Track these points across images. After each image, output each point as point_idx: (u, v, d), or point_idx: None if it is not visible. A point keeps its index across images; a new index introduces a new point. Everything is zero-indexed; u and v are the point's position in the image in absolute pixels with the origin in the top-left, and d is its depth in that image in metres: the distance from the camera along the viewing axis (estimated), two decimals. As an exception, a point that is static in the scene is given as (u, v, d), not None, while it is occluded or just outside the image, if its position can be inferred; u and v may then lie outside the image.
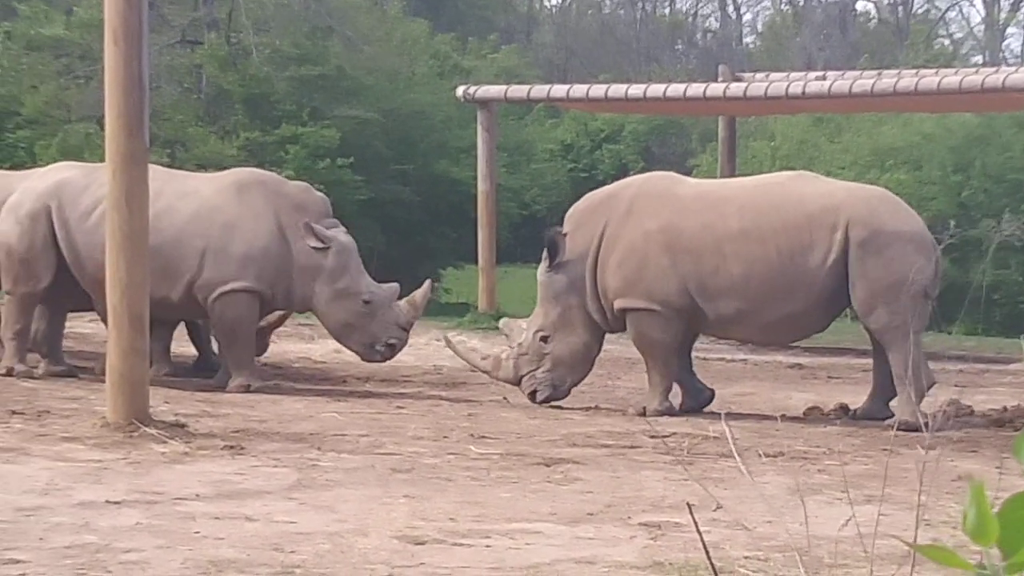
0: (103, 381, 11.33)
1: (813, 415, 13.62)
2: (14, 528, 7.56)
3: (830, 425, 13.05)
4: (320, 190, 15.93)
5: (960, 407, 13.77)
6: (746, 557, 7.28)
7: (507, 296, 23.37)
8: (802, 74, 24.82)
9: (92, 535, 7.44)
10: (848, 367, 18.29)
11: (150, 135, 11.49)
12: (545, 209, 35.28)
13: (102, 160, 11.83)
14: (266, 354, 15.84)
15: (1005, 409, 13.96)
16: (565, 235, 13.52)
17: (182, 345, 16.07)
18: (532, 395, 13.68)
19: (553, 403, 13.67)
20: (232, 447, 10.44)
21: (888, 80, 21.14)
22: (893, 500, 8.14)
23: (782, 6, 59.75)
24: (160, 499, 8.50)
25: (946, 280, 13.72)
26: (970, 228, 27.32)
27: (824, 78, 22.56)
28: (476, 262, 23.31)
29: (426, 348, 18.28)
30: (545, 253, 13.53)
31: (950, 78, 20.84)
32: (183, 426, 11.02)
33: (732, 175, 23.04)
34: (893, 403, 13.19)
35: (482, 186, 23.02)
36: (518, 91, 24.31)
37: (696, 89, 22.20)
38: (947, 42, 56.76)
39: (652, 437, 11.33)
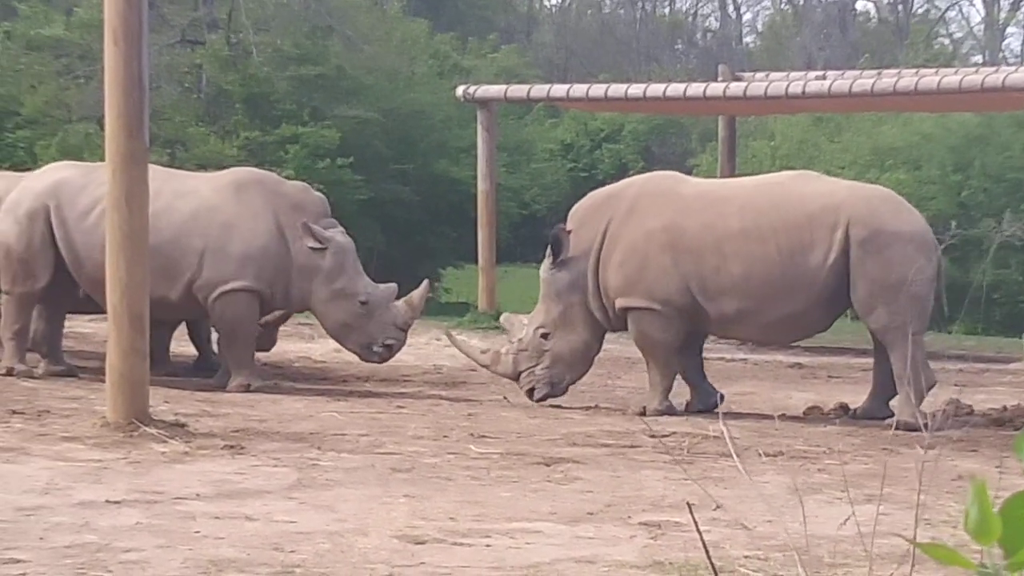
0: (103, 381, 11.33)
1: (813, 414, 13.61)
2: (14, 528, 7.56)
3: (830, 424, 13.04)
4: (320, 190, 15.93)
5: (960, 406, 13.76)
6: (746, 556, 7.28)
7: (507, 296, 23.37)
8: (802, 74, 24.81)
9: (92, 535, 7.44)
10: (848, 366, 18.29)
11: (150, 135, 11.48)
12: (545, 209, 35.30)
13: (102, 160, 11.83)
14: (273, 349, 15.85)
15: (1005, 408, 13.96)
16: (569, 232, 13.52)
17: (182, 345, 16.07)
18: (530, 392, 13.68)
19: (553, 402, 13.67)
20: (232, 447, 10.44)
21: (888, 80, 21.13)
22: (893, 499, 8.14)
23: (782, 6, 59.80)
24: (160, 499, 8.50)
25: (946, 280, 13.70)
26: (970, 228, 27.34)
27: (824, 78, 22.55)
28: (476, 262, 23.31)
29: (426, 348, 18.29)
30: (549, 250, 13.53)
31: (950, 78, 20.83)
32: (183, 426, 11.02)
33: (732, 175, 23.04)
34: (893, 402, 13.19)
35: (482, 186, 23.02)
36: (518, 91, 24.30)
37: (696, 89, 22.20)
38: (947, 42, 56.79)
39: (652, 437, 11.32)
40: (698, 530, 5.03)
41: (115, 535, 7.43)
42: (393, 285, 14.70)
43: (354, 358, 15.00)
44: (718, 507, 8.25)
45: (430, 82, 30.77)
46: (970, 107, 25.48)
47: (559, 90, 24.15)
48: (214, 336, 15.30)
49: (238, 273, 14.13)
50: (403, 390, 14.86)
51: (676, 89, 22.34)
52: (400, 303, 14.54)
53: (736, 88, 21.94)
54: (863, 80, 21.34)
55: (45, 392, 13.32)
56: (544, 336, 13.59)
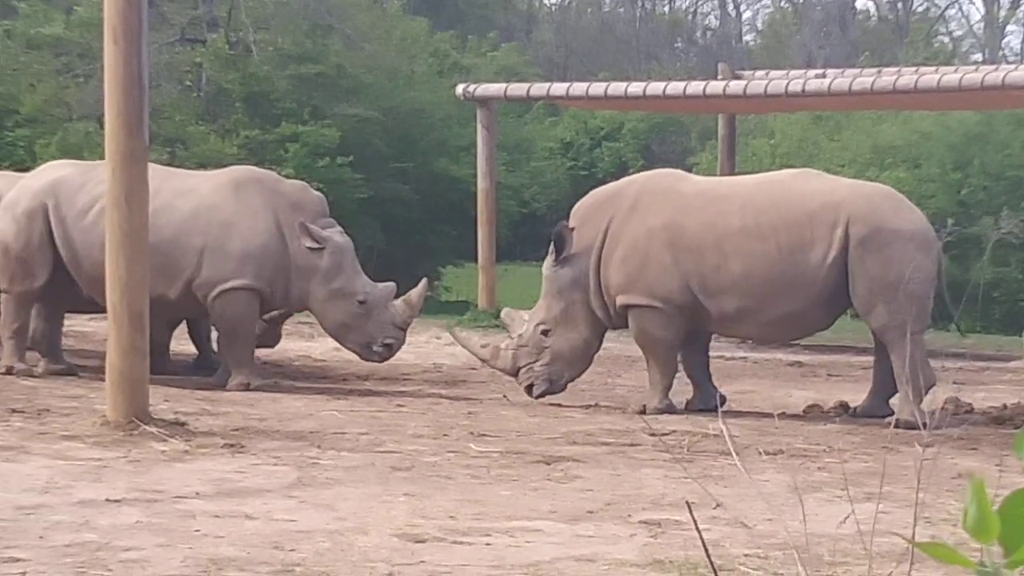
0: (103, 379, 11.33)
1: (813, 413, 13.61)
2: (14, 527, 7.56)
3: (830, 423, 13.03)
4: (320, 189, 15.93)
5: (960, 404, 13.77)
6: (746, 555, 7.28)
7: (507, 294, 23.36)
8: (802, 72, 24.79)
9: (92, 533, 7.44)
10: (848, 365, 18.29)
11: (150, 133, 11.48)
12: (545, 207, 35.29)
13: (102, 158, 11.83)
14: (277, 346, 15.86)
15: (1005, 407, 13.96)
16: (572, 229, 13.52)
17: (182, 343, 16.07)
18: (528, 388, 13.69)
19: (553, 401, 13.67)
20: (232, 445, 10.44)
21: (888, 78, 21.13)
22: (893, 498, 8.15)
23: (782, 4, 59.78)
24: (160, 497, 8.50)
25: (947, 278, 13.70)
26: (969, 226, 27.34)
27: (824, 76, 22.55)
28: (476, 260, 23.31)
29: (426, 346, 18.29)
30: (552, 247, 13.54)
31: (950, 76, 20.83)
32: (183, 424, 11.02)
33: (732, 173, 23.03)
34: (893, 401, 13.19)
35: (482, 184, 23.02)
36: (518, 89, 24.31)
37: (696, 87, 22.20)
38: (947, 40, 56.76)
39: (652, 435, 11.32)
40: (698, 529, 5.03)
41: (115, 534, 7.43)
42: (391, 284, 14.70)
43: (354, 357, 15.00)
44: (718, 505, 8.25)
45: (430, 80, 30.75)
46: (970, 105, 25.47)
47: (559, 88, 24.15)
48: (214, 335, 15.30)
49: (238, 272, 14.13)
50: (403, 389, 14.87)
51: (676, 87, 22.34)
52: (398, 302, 14.54)
53: (736, 86, 21.94)
54: (863, 78, 21.34)
55: (45, 391, 13.32)
56: (544, 333, 13.59)
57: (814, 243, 13.05)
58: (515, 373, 13.77)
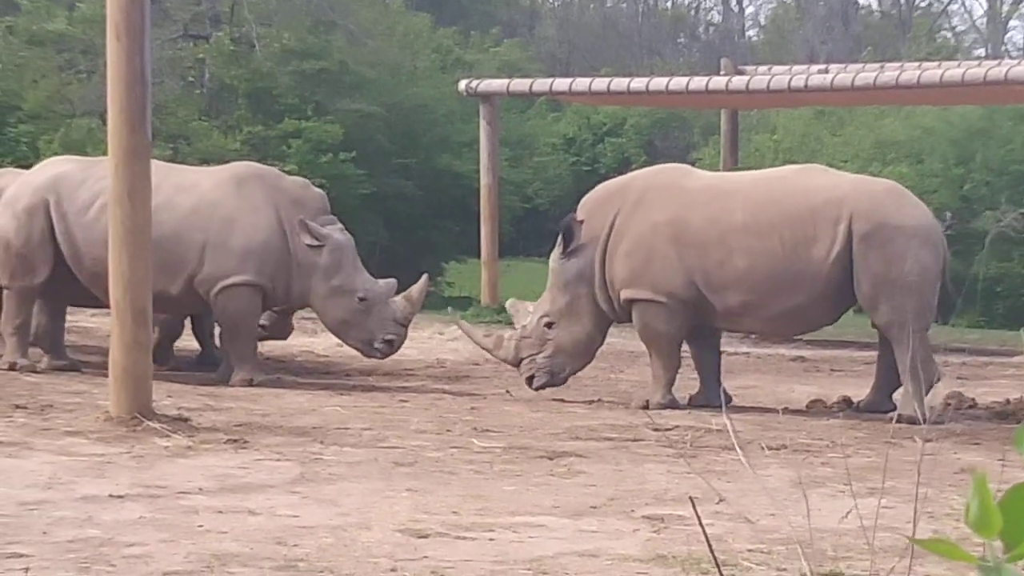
0: (106, 375, 11.34)
1: (816, 408, 13.62)
2: (17, 522, 7.57)
3: (833, 418, 13.06)
4: (323, 185, 15.93)
5: (963, 399, 13.77)
6: (749, 550, 7.28)
7: (509, 289, 23.30)
8: (805, 67, 24.83)
9: (95, 529, 7.45)
10: (851, 360, 18.29)
11: (152, 130, 11.49)
12: (547, 203, 35.29)
13: (105, 155, 11.82)
14: (269, 344, 15.85)
15: (1008, 402, 13.95)
16: (581, 222, 13.53)
17: (184, 339, 16.07)
18: (529, 379, 13.70)
19: (556, 396, 13.68)
20: (235, 441, 10.44)
21: (891, 73, 21.13)
22: (895, 493, 8.15)
23: (785, -1, 59.71)
24: (163, 493, 8.50)
25: (950, 273, 13.67)
26: (972, 220, 27.33)
27: (827, 71, 22.57)
28: (478, 256, 23.33)
29: (429, 342, 18.30)
30: (560, 238, 13.54)
31: (953, 71, 20.83)
32: (186, 420, 11.02)
33: (734, 169, 23.05)
34: (897, 395, 13.19)
35: (484, 180, 23.03)
36: (520, 85, 24.32)
37: (698, 82, 22.21)
38: (950, 35, 56.72)
39: (655, 430, 11.33)
40: (701, 524, 5.03)
41: (118, 529, 7.44)
42: (392, 281, 14.69)
43: (357, 353, 15.00)
44: (721, 500, 8.25)
45: (433, 76, 30.74)
46: (973, 100, 25.48)
47: (561, 84, 24.16)
48: (216, 330, 15.31)
49: (239, 268, 14.14)
50: (406, 384, 14.87)
51: (678, 83, 22.35)
52: (399, 299, 14.53)
53: (738, 82, 21.95)
54: (866, 74, 21.34)
55: (48, 387, 13.32)
56: (548, 325, 13.60)
57: (817, 239, 13.04)
58: (517, 364, 13.78)
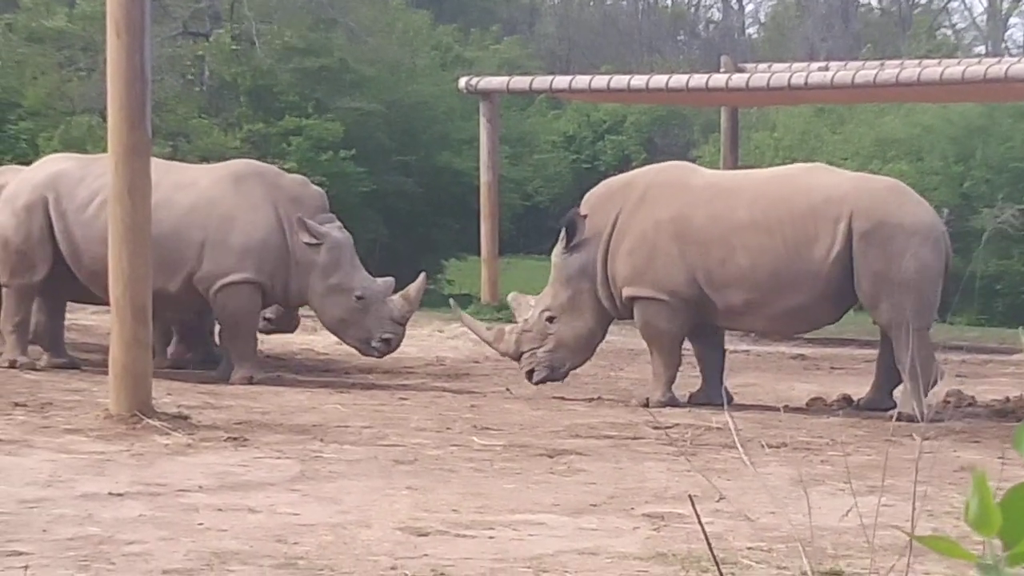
0: (105, 373, 11.34)
1: (816, 406, 13.62)
2: (17, 520, 7.56)
3: (833, 416, 13.06)
4: (323, 182, 15.93)
5: (962, 397, 13.77)
6: (749, 548, 7.28)
7: (510, 287, 23.21)
8: (805, 65, 24.82)
9: (95, 527, 7.44)
10: (851, 358, 18.29)
11: (152, 127, 11.49)
12: (547, 200, 35.31)
13: (105, 152, 11.82)
14: (269, 343, 15.85)
15: (1007, 399, 13.95)
16: (584, 216, 13.53)
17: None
18: (529, 373, 13.70)
19: (556, 394, 13.68)
20: (235, 439, 10.44)
21: (891, 71, 21.13)
22: (896, 491, 8.14)
23: (784, -4, 59.70)
24: (163, 491, 8.50)
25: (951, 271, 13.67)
26: (972, 218, 27.33)
27: (827, 69, 22.56)
28: (479, 253, 23.32)
29: (429, 339, 18.29)
30: (563, 233, 13.54)
31: (953, 68, 20.84)
32: (186, 418, 11.02)
33: (734, 166, 23.06)
34: (897, 393, 13.19)
35: (484, 177, 23.03)
36: (520, 82, 24.31)
37: (698, 80, 22.20)
38: (950, 32, 56.73)
39: (655, 428, 11.33)
40: (700, 522, 5.03)
41: (118, 527, 7.43)
42: (390, 279, 14.69)
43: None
44: (721, 498, 8.25)
45: (433, 74, 30.74)
46: (973, 98, 25.48)
47: (561, 81, 24.15)
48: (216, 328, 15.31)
49: (239, 265, 14.14)
50: (406, 382, 14.87)
51: (678, 80, 22.35)
52: (396, 297, 14.52)
53: (738, 79, 21.94)
54: (866, 71, 21.34)
55: (48, 384, 13.32)
56: (550, 320, 13.60)
57: (818, 238, 13.04)
58: (518, 357, 13.78)
